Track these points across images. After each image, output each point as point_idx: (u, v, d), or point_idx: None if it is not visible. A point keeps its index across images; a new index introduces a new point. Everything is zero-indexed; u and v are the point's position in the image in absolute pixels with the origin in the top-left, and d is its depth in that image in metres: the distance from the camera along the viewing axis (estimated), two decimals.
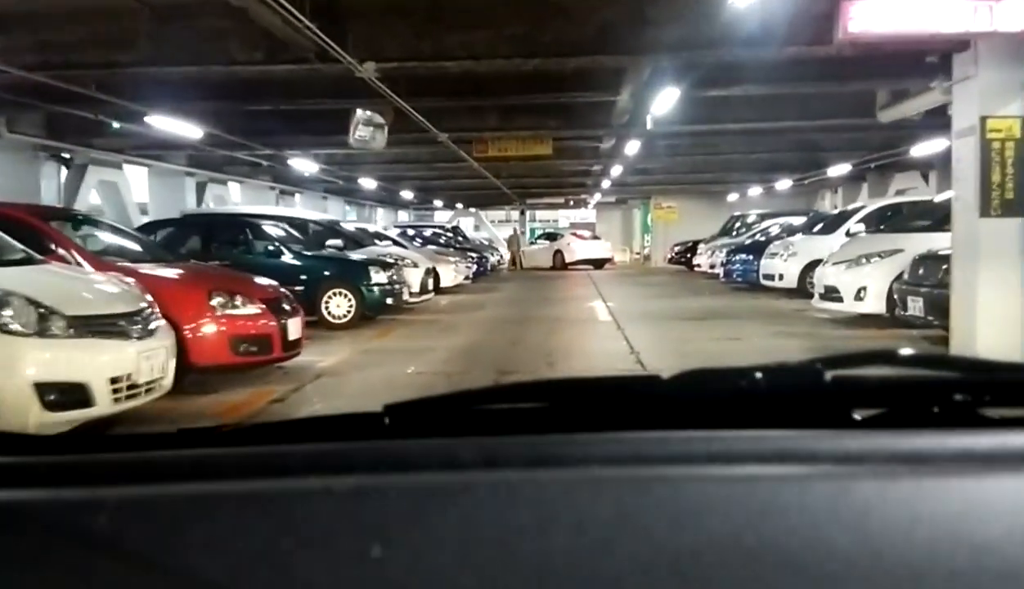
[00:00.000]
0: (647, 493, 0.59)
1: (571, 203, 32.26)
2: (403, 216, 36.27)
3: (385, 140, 10.58)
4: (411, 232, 21.80)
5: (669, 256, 26.52)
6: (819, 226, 14.55)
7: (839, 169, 18.91)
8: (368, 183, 19.60)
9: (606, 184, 22.33)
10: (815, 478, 0.60)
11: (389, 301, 10.87)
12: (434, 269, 13.89)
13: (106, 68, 7.80)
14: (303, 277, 10.52)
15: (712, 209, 28.72)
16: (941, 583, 0.53)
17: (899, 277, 8.85)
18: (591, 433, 0.67)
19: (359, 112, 10.05)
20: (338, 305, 10.60)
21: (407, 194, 24.12)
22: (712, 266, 19.15)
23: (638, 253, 34.93)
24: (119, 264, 6.23)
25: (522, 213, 38.69)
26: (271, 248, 10.59)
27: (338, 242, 12.55)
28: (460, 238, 25.54)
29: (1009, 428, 0.69)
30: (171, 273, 6.76)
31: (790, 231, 16.43)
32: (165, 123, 10.67)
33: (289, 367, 7.05)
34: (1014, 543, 0.54)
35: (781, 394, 0.74)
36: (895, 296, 8.89)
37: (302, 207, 22.29)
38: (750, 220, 22.92)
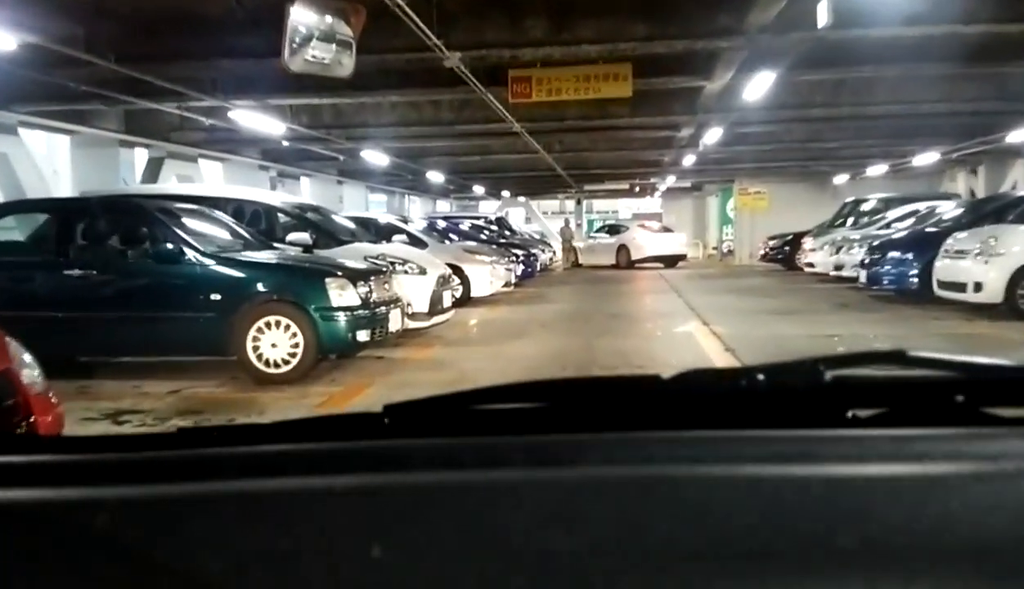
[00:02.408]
0: (647, 493, 0.59)
1: (636, 189, 27.47)
2: (443, 207, 32.02)
3: (352, 63, 6.18)
4: (442, 224, 17.55)
5: (762, 251, 21.55)
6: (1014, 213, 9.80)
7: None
8: (376, 158, 14.96)
9: (689, 160, 17.54)
10: (815, 478, 0.60)
11: (363, 335, 6.48)
12: (448, 277, 9.43)
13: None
14: (214, 296, 6.23)
15: (811, 194, 23.78)
16: (941, 583, 0.53)
17: None
18: (591, 433, 0.67)
19: (299, 10, 5.69)
20: (274, 341, 6.27)
21: (435, 176, 19.55)
22: (839, 267, 14.27)
23: (714, 248, 29.94)
24: None
25: (578, 203, 34.09)
26: (165, 248, 6.31)
27: (304, 237, 8.23)
28: (507, 232, 21.32)
29: (1009, 428, 0.69)
30: None
31: (959, 222, 11.57)
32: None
33: None
34: (1014, 543, 0.55)
35: (781, 394, 0.74)
36: None
37: (311, 194, 18.20)
38: (871, 206, 18.07)
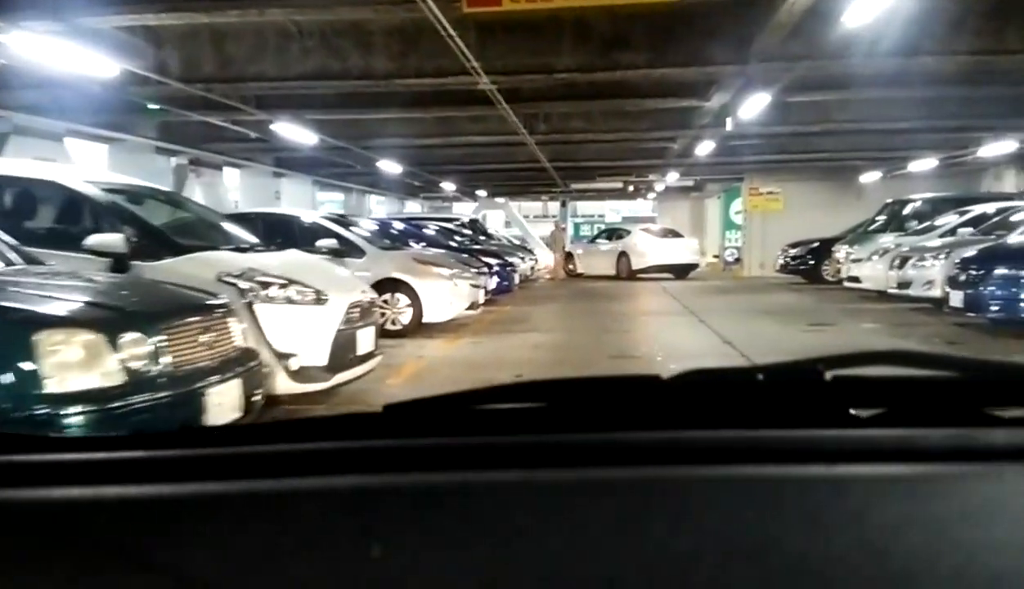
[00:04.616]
0: (647, 493, 0.59)
1: (630, 189, 24.17)
2: (414, 208, 28.56)
3: None
4: (400, 226, 14.20)
5: (781, 261, 18.32)
6: None
7: None
8: (296, 134, 11.13)
9: (703, 150, 14.22)
10: (815, 478, 0.60)
11: None
12: (371, 305, 5.95)
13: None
14: None
15: (832, 195, 20.60)
16: (941, 583, 0.53)
17: None
18: (591, 433, 0.68)
19: None
20: None
21: (390, 166, 15.79)
22: (904, 284, 11.00)
23: (715, 256, 26.72)
24: None
25: (563, 205, 30.78)
26: None
27: (112, 240, 4.82)
28: (482, 236, 18.07)
29: (1009, 428, 0.69)
30: None
31: None
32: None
33: None
34: (1014, 543, 0.55)
35: (781, 394, 0.73)
36: None
37: (242, 188, 14.75)
38: (916, 208, 14.96)
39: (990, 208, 12.73)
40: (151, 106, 9.62)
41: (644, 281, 18.32)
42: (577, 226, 34.68)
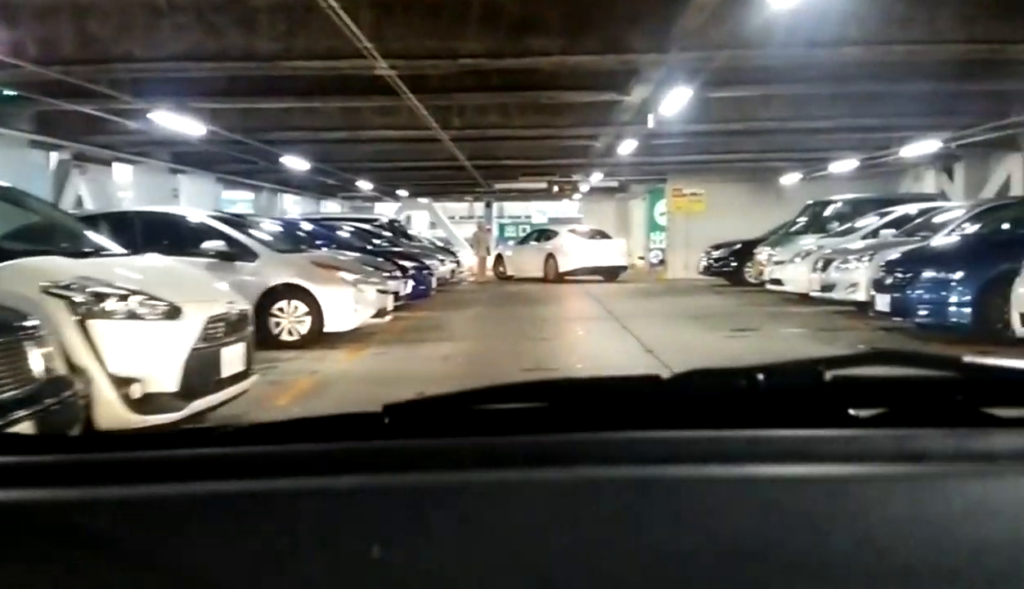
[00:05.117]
0: (647, 493, 0.59)
1: (555, 190, 23.68)
2: (334, 209, 27.45)
3: None
4: (308, 227, 13.31)
5: (704, 263, 18.09)
6: None
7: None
8: (174, 122, 9.97)
9: (626, 148, 13.74)
10: (815, 478, 0.60)
11: None
12: (242, 318, 5.13)
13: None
14: None
15: (754, 196, 20.54)
16: (941, 583, 0.53)
17: None
18: (591, 433, 0.67)
19: None
20: None
21: (295, 161, 14.53)
22: (828, 287, 10.73)
23: (640, 258, 26.50)
24: None
25: (488, 205, 30.20)
26: None
27: None
28: (403, 238, 17.41)
29: (1009, 428, 0.69)
30: None
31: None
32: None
33: None
34: (1014, 543, 0.55)
35: (781, 394, 0.72)
36: None
37: (135, 186, 13.58)
38: (837, 209, 14.92)
39: (912, 209, 12.68)
40: (6, 92, 8.54)
41: (571, 283, 17.80)
42: (502, 227, 34.10)
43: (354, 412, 0.72)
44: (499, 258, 22.20)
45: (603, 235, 20.30)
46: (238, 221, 9.81)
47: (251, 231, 9.56)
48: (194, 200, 15.42)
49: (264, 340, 8.49)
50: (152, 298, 4.38)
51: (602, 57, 6.77)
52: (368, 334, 9.18)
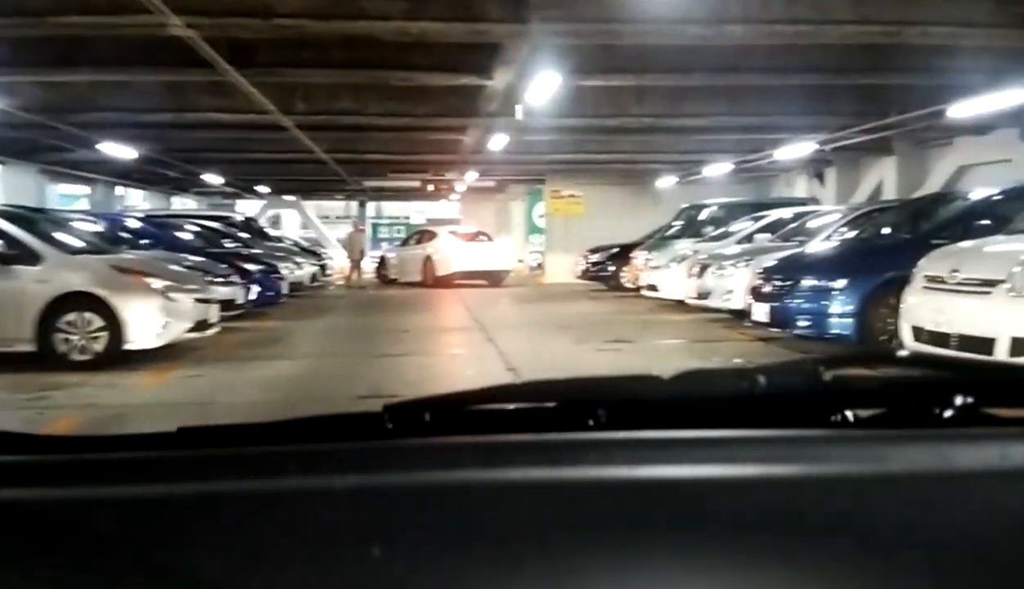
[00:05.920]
0: (647, 493, 0.59)
1: (430, 189, 22.50)
2: (190, 204, 25.19)
3: None
4: (135, 225, 11.62)
5: (582, 267, 17.40)
6: None
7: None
8: None
9: (497, 144, 12.75)
10: (814, 478, 0.60)
11: None
12: None
13: None
14: None
15: (633, 199, 20.13)
16: (941, 583, 0.53)
17: None
18: (591, 433, 0.67)
19: None
20: None
21: (116, 148, 12.41)
22: (704, 294, 10.09)
23: (519, 260, 25.71)
24: None
25: (362, 205, 28.68)
26: None
27: None
28: (260, 238, 15.98)
29: (1009, 428, 0.69)
30: None
31: (902, 232, 7.81)
32: None
33: None
34: (1014, 543, 0.54)
35: (781, 394, 0.72)
36: None
37: None
38: (712, 214, 14.58)
39: (787, 213, 12.35)
40: None
41: (448, 289, 16.61)
42: (376, 228, 32.59)
43: (354, 412, 0.72)
44: (383, 261, 20.84)
45: (484, 236, 19.26)
46: (25, 216, 8.12)
47: (46, 229, 7.96)
48: (14, 195, 13.30)
49: (48, 360, 7.01)
50: None
51: (450, 24, 5.73)
52: (187, 350, 7.76)
